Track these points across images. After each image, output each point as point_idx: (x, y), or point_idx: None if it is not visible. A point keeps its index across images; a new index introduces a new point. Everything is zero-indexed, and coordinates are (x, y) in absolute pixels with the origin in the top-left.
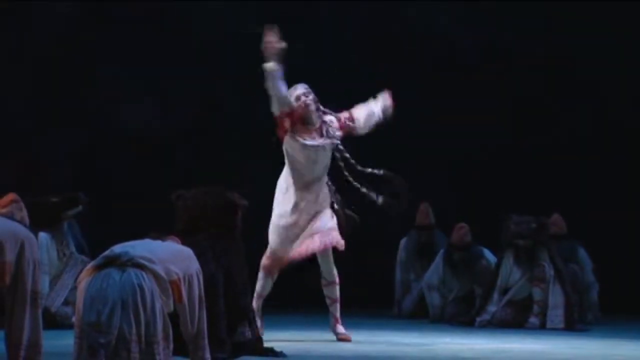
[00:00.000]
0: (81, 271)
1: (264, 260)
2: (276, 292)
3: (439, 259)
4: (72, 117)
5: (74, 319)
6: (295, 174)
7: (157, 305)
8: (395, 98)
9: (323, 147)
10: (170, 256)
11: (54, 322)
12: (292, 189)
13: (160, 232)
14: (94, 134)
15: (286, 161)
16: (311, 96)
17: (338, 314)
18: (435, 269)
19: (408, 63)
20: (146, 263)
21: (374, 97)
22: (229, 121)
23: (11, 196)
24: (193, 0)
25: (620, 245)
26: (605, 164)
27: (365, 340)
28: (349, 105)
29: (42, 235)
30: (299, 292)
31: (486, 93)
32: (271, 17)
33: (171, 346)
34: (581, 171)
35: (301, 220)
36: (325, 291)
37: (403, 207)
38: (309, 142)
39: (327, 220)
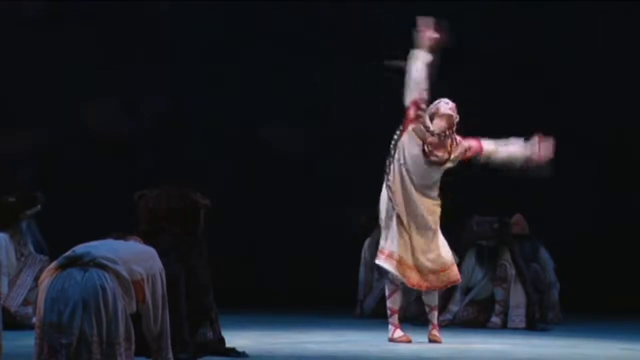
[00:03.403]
0: (40, 270)
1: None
2: (238, 293)
3: None
4: (34, 115)
5: (34, 320)
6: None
7: (119, 306)
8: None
9: (438, 164)
10: (133, 256)
11: (14, 322)
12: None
13: (122, 232)
14: (56, 133)
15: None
16: (453, 112)
17: (435, 321)
18: None
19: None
20: (108, 263)
21: (526, 139)
22: (193, 121)
23: None
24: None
25: (581, 245)
26: (566, 165)
27: (329, 340)
28: None
29: (0, 235)
30: (263, 293)
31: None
32: (235, 18)
33: (133, 347)
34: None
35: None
36: (425, 298)
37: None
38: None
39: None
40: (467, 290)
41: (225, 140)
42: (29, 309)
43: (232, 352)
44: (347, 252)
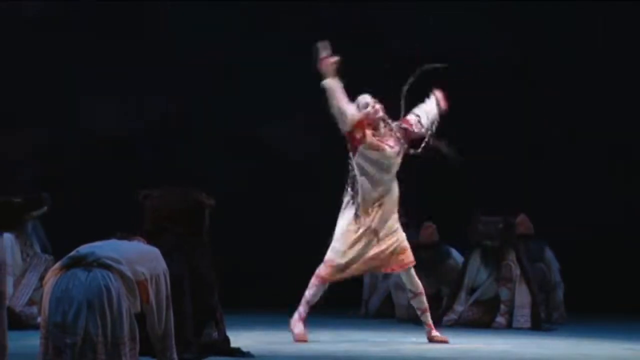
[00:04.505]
0: (45, 270)
1: (322, 271)
2: (243, 293)
3: None
4: (36, 116)
5: (39, 319)
6: (365, 190)
7: (124, 306)
8: (448, 96)
9: (397, 153)
10: (137, 256)
11: (19, 322)
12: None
13: (126, 232)
14: (57, 134)
15: (356, 177)
16: (378, 105)
17: (430, 321)
18: None
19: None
20: (113, 263)
21: (427, 97)
22: (197, 121)
23: None
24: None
25: (584, 245)
26: (570, 165)
27: (332, 340)
28: None
29: (6, 235)
30: (267, 293)
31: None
32: (247, 16)
33: (137, 347)
34: (546, 171)
35: (372, 238)
36: (414, 303)
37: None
38: (387, 150)
39: (401, 240)
40: (471, 290)
41: (227, 141)
42: (34, 309)
43: (237, 352)
44: None
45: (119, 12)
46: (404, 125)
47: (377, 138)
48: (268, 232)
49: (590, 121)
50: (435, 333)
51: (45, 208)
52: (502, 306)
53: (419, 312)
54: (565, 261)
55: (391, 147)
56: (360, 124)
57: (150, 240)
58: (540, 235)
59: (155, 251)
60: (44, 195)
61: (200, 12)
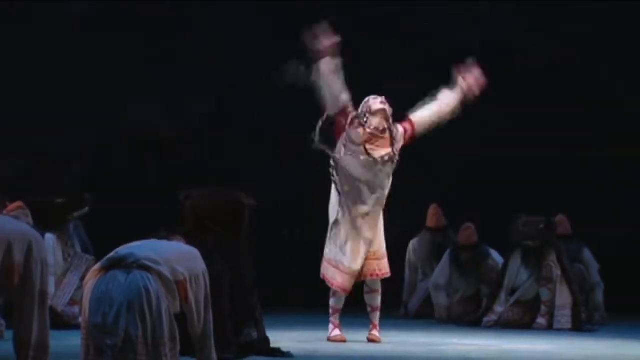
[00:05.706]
0: (86, 270)
1: (336, 282)
2: (282, 292)
3: (445, 260)
4: (81, 116)
5: (81, 319)
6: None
7: (163, 307)
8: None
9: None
10: (176, 256)
11: (61, 322)
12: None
13: (166, 232)
14: (102, 134)
15: (336, 179)
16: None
17: (377, 321)
18: (442, 270)
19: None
20: (151, 265)
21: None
22: (238, 121)
23: (18, 203)
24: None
25: (624, 246)
26: (608, 164)
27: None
28: None
29: (48, 236)
30: (306, 292)
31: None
32: (277, 16)
33: (178, 347)
34: (584, 171)
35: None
36: (367, 299)
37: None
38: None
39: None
40: (512, 290)
41: (270, 142)
42: (76, 309)
43: (277, 352)
44: (392, 254)
45: (163, 14)
46: (403, 130)
47: (368, 139)
48: (310, 232)
49: (630, 120)
50: (374, 332)
51: (87, 209)
52: (543, 307)
53: (369, 309)
54: (605, 262)
55: (380, 156)
56: (344, 112)
57: (190, 240)
58: (579, 235)
59: (194, 251)
60: (86, 196)
61: (245, 15)
